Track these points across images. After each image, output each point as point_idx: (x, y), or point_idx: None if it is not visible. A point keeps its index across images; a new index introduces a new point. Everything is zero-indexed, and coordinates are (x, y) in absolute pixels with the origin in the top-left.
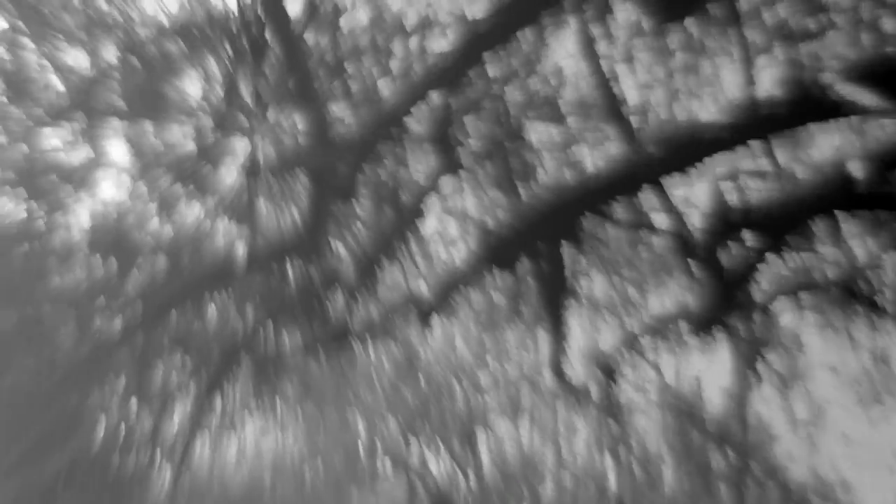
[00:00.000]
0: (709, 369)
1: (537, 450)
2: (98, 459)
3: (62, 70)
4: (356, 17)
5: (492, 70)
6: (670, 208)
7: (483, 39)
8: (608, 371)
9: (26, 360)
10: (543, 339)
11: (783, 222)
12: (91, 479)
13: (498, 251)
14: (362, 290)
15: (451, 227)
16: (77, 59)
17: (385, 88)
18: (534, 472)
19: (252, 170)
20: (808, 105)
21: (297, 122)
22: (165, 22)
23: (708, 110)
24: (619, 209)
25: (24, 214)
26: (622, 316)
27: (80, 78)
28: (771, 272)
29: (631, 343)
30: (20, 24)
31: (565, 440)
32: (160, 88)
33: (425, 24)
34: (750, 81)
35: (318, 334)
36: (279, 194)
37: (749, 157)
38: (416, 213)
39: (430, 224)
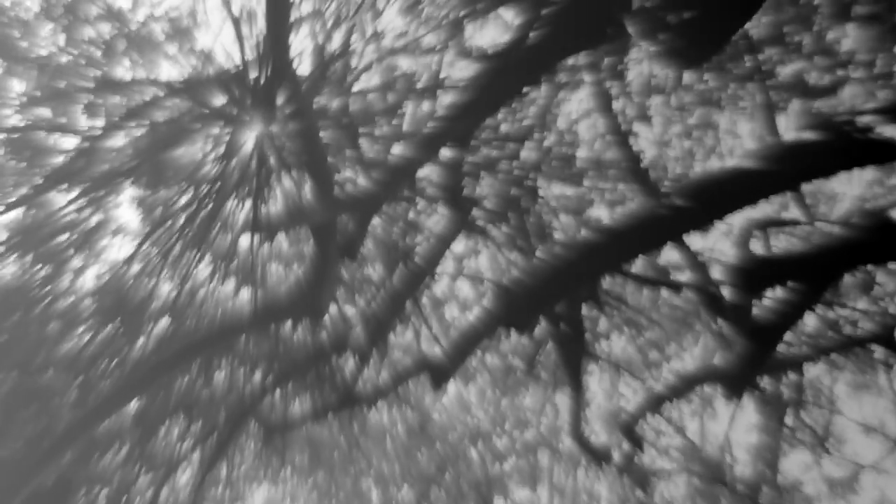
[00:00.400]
0: (737, 431)
1: None
2: None
3: (73, 133)
4: (367, 78)
5: (506, 127)
6: (694, 264)
7: (497, 97)
8: (631, 435)
9: (25, 427)
10: (563, 402)
11: (814, 276)
12: None
13: (515, 312)
14: (373, 353)
15: (465, 288)
16: (89, 122)
17: (396, 147)
18: None
19: (258, 229)
20: (837, 152)
21: (304, 182)
22: (176, 84)
23: (729, 162)
24: (640, 267)
25: (29, 277)
26: (645, 378)
27: (90, 141)
28: (802, 328)
29: (654, 406)
30: (36, 90)
31: None
32: (169, 153)
33: (437, 84)
34: (773, 131)
35: (327, 399)
36: (286, 254)
37: (777, 208)
38: (429, 273)
39: (444, 285)
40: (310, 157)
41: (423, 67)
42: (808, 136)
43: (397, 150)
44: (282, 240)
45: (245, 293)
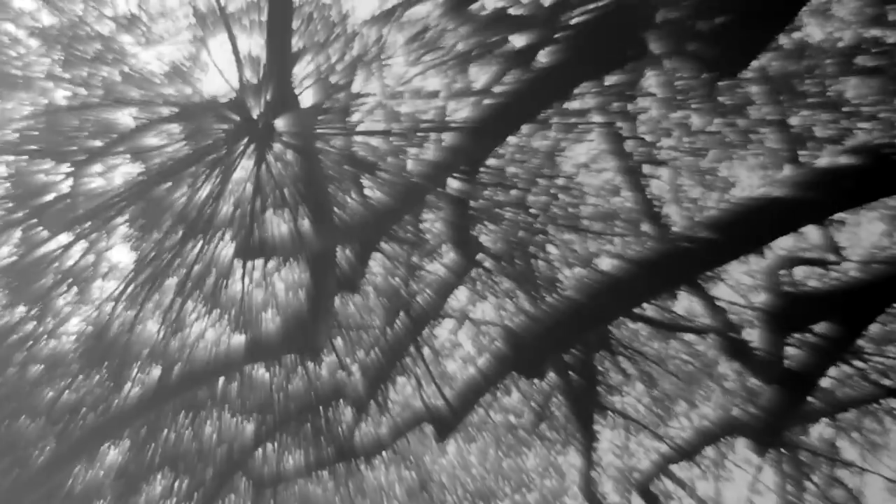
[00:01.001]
0: (757, 496)
1: None
2: None
3: (64, 169)
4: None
5: (513, 169)
6: (713, 308)
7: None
8: (647, 496)
9: None
10: (571, 461)
11: (848, 317)
12: None
13: (522, 363)
14: (371, 404)
15: (469, 335)
16: (85, 167)
17: (396, 188)
18: None
19: (250, 256)
20: (873, 177)
21: (302, 210)
22: (175, 129)
23: (749, 196)
24: (654, 312)
25: (15, 320)
26: (660, 434)
27: (85, 185)
28: (836, 377)
29: (669, 465)
30: (32, 133)
31: None
32: (165, 198)
33: (441, 126)
34: (795, 161)
35: (322, 453)
36: (280, 287)
37: (804, 243)
38: (432, 319)
39: (447, 332)
40: (308, 185)
41: (427, 108)
42: (843, 160)
43: (401, 184)
44: (276, 273)
45: (236, 333)
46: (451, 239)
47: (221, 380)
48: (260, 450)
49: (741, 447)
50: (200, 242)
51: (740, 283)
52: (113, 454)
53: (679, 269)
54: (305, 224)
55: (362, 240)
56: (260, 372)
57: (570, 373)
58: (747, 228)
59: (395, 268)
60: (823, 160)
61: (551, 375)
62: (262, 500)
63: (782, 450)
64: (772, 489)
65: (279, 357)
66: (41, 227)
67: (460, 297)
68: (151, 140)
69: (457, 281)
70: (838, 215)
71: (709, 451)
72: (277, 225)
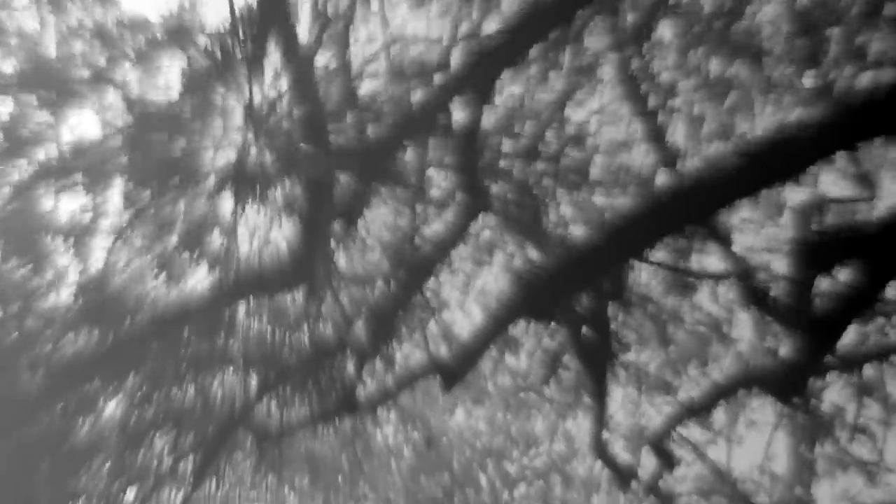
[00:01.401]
0: (774, 450)
1: None
2: None
3: (66, 126)
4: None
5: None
6: (728, 252)
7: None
8: (657, 454)
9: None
10: (582, 420)
11: (877, 259)
12: None
13: (532, 307)
14: (375, 353)
15: (478, 279)
16: (82, 116)
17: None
18: None
19: (242, 182)
20: None
21: (297, 132)
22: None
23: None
24: (668, 256)
25: (13, 275)
26: (674, 388)
27: (84, 135)
28: (862, 326)
29: (684, 421)
30: (27, 73)
31: None
32: (166, 150)
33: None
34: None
35: (326, 405)
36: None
37: (831, 175)
38: (440, 261)
39: (455, 276)
40: (305, 110)
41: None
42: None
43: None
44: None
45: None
46: (458, 185)
47: (222, 332)
48: (263, 406)
49: (758, 404)
50: (196, 190)
51: (761, 225)
52: (113, 408)
53: (694, 209)
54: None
55: (360, 171)
56: (260, 325)
57: (583, 326)
58: (770, 163)
59: (397, 212)
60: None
61: (562, 331)
62: (266, 458)
63: (799, 406)
64: (786, 449)
65: (274, 294)
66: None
67: (467, 244)
68: (147, 86)
69: (463, 226)
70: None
71: (723, 408)
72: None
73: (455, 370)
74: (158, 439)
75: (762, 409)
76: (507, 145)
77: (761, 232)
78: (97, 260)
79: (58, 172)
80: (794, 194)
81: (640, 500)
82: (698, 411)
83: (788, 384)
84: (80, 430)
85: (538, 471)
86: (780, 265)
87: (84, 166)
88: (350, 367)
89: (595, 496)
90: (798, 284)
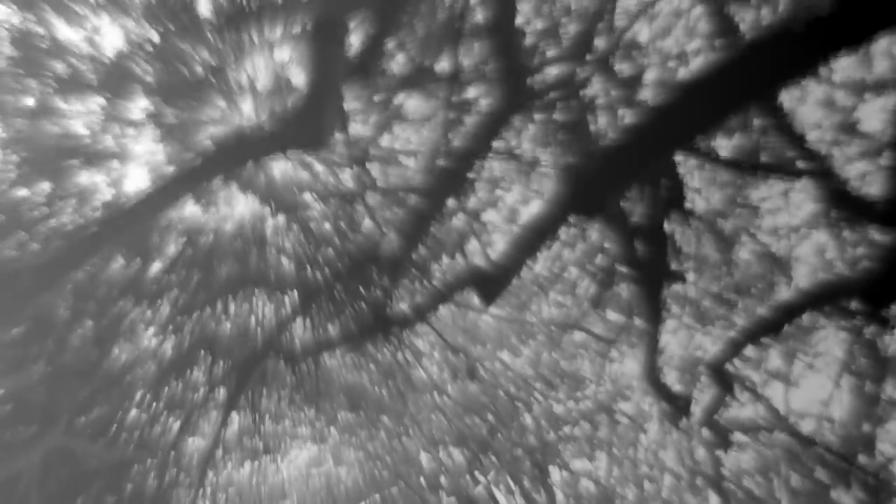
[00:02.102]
0: (837, 387)
1: (617, 487)
2: (116, 474)
3: (91, 44)
4: None
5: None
6: (799, 141)
7: None
8: (714, 386)
9: (35, 365)
10: (631, 356)
11: None
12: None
13: (580, 201)
14: (410, 265)
15: (519, 177)
16: (108, 32)
17: None
18: None
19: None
20: None
21: None
22: None
23: None
24: (728, 151)
25: (40, 199)
26: (734, 315)
27: (109, 53)
28: None
29: (743, 352)
30: None
31: (650, 475)
32: (195, 67)
33: None
34: None
35: (361, 323)
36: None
37: None
38: (479, 155)
39: (495, 170)
40: None
41: None
42: None
43: None
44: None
45: (278, 220)
46: (495, 71)
47: (253, 256)
48: (298, 327)
49: (823, 336)
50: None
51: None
52: (149, 336)
53: (753, 79)
54: None
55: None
56: (290, 243)
57: (635, 240)
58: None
59: (430, 106)
60: None
61: (614, 245)
62: (303, 389)
63: (868, 340)
64: (850, 387)
65: (284, 150)
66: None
67: (510, 132)
68: None
69: (503, 116)
70: None
71: (787, 339)
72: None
73: (495, 280)
74: (193, 368)
75: (826, 342)
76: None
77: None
78: (123, 181)
79: (79, 88)
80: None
81: (694, 435)
82: (761, 340)
83: (871, 298)
84: (116, 358)
85: (584, 411)
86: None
87: (107, 81)
88: (384, 280)
89: (643, 435)
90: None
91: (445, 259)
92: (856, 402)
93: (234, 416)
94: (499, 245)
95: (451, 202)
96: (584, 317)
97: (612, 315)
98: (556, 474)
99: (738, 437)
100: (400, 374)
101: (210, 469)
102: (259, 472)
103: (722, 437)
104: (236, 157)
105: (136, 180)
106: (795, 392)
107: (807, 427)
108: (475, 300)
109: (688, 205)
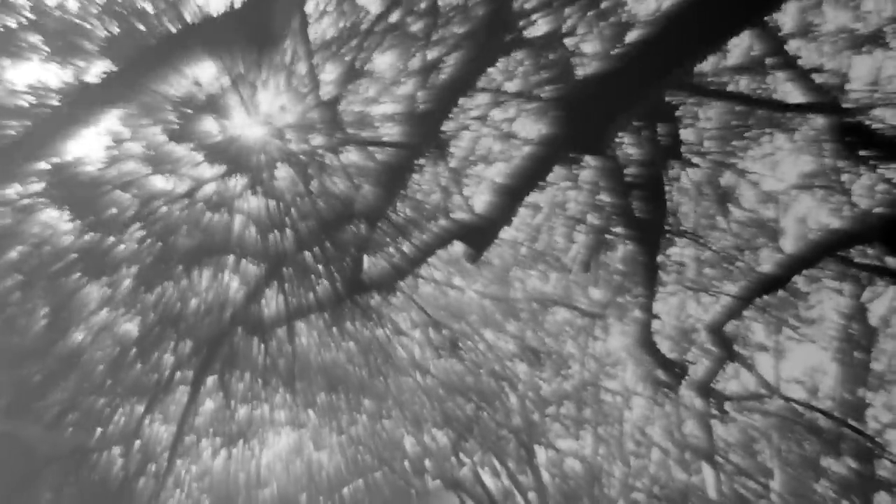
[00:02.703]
0: (827, 353)
1: (603, 465)
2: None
3: None
4: None
5: None
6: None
7: None
8: (721, 339)
9: None
10: (623, 323)
11: None
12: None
13: (578, 137)
14: (385, 222)
15: (507, 115)
16: None
17: None
18: (600, 488)
19: None
20: None
21: None
22: None
23: None
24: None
25: None
26: (731, 274)
27: None
28: None
29: (740, 315)
30: None
31: (637, 452)
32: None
33: None
34: None
35: (334, 290)
36: None
37: None
38: (462, 91)
39: (478, 113)
40: None
41: None
42: None
43: None
44: None
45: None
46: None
47: (217, 223)
48: (270, 303)
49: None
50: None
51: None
52: (105, 315)
53: None
54: None
55: None
56: (258, 202)
57: (628, 191)
58: None
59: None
60: None
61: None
62: (277, 370)
63: None
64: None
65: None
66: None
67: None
68: None
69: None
70: None
71: (787, 296)
72: None
73: (482, 234)
74: (156, 346)
75: (826, 302)
76: None
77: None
78: (72, 144)
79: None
80: None
81: (691, 399)
82: (764, 297)
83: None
84: (70, 338)
85: (569, 391)
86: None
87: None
88: (359, 237)
89: (628, 410)
90: None
91: (426, 212)
92: (849, 369)
93: (207, 401)
94: (482, 197)
95: (429, 152)
96: (571, 288)
97: (603, 281)
98: (541, 453)
99: (733, 405)
100: (379, 352)
101: (183, 457)
102: (236, 459)
103: (717, 406)
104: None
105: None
106: (789, 359)
107: (800, 394)
108: (459, 264)
109: (685, 151)
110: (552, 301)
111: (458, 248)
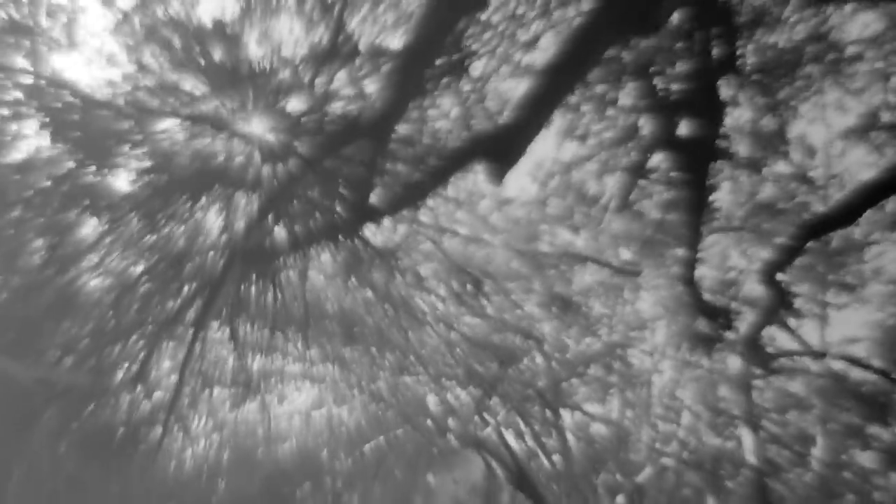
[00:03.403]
0: None
1: (630, 428)
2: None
3: None
4: None
5: None
6: None
7: None
8: (773, 285)
9: None
10: (660, 276)
11: None
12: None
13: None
14: (391, 139)
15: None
16: None
17: None
18: (626, 451)
19: None
20: None
21: None
22: None
23: None
24: None
25: None
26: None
27: None
28: None
29: (796, 257)
30: None
31: (665, 416)
32: None
33: None
34: None
35: (342, 215)
36: None
37: None
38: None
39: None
40: None
41: None
42: None
43: None
44: None
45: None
46: None
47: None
48: (276, 233)
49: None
50: None
51: None
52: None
53: None
54: None
55: None
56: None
57: (673, 113)
58: None
59: None
60: None
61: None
62: (288, 312)
63: None
64: None
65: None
66: None
67: None
68: None
69: None
70: None
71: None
72: None
73: (506, 149)
74: (157, 285)
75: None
76: None
77: None
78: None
79: None
80: None
81: (734, 353)
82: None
83: None
84: (75, 280)
85: (600, 351)
86: None
87: None
88: (368, 159)
89: (658, 373)
90: None
91: (442, 127)
92: None
93: (218, 348)
94: (506, 110)
95: (444, 59)
96: (602, 238)
97: (639, 224)
98: (567, 415)
99: (775, 365)
100: (399, 303)
101: (197, 408)
102: (252, 412)
103: (760, 365)
104: None
105: None
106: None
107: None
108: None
109: (742, 64)
110: (582, 257)
111: (479, 174)
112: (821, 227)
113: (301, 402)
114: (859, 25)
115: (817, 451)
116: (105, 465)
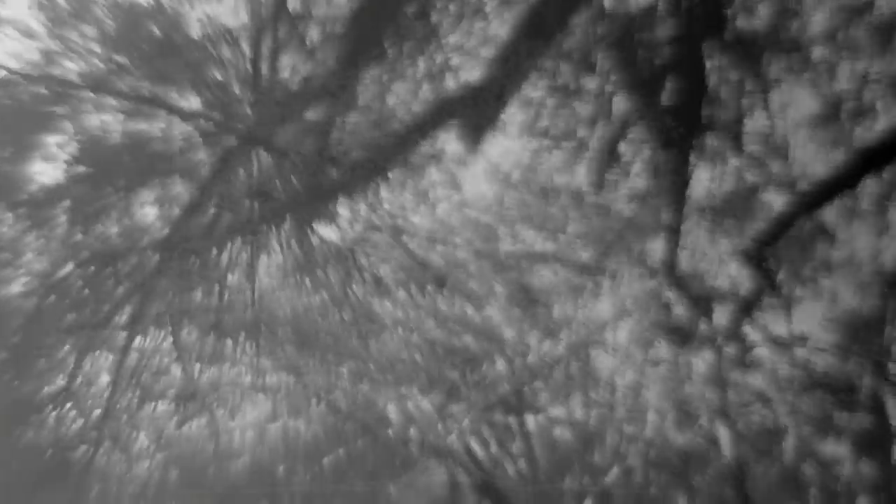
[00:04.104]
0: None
1: (597, 430)
2: None
3: None
4: None
5: None
6: None
7: None
8: (760, 265)
9: None
10: (639, 266)
11: None
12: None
13: None
14: (344, 97)
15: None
16: None
17: None
18: (593, 455)
19: None
20: None
21: None
22: None
23: None
24: None
25: None
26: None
27: None
28: None
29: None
30: None
31: (631, 417)
32: None
33: None
34: None
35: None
36: None
37: None
38: None
39: None
40: None
41: None
42: None
43: None
44: None
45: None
46: None
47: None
48: (215, 229)
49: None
50: None
51: None
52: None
53: None
54: None
55: None
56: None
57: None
58: None
59: None
60: None
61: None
62: (234, 313)
63: None
64: None
65: None
66: None
67: None
68: None
69: None
70: None
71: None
72: None
73: (482, 109)
74: (86, 287)
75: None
76: None
77: None
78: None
79: None
80: None
81: (707, 347)
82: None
83: None
84: None
85: (562, 353)
86: None
87: None
88: (323, 126)
89: (620, 374)
90: None
91: (404, 88)
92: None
93: (158, 357)
94: (475, 71)
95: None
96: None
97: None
98: (531, 420)
99: (752, 355)
100: (356, 303)
101: (142, 423)
102: (202, 427)
103: (736, 355)
104: None
105: None
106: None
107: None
108: (451, 150)
109: (729, 32)
110: (545, 256)
111: (450, 143)
112: (798, 210)
113: (254, 415)
114: None
115: (787, 444)
116: (30, 494)
